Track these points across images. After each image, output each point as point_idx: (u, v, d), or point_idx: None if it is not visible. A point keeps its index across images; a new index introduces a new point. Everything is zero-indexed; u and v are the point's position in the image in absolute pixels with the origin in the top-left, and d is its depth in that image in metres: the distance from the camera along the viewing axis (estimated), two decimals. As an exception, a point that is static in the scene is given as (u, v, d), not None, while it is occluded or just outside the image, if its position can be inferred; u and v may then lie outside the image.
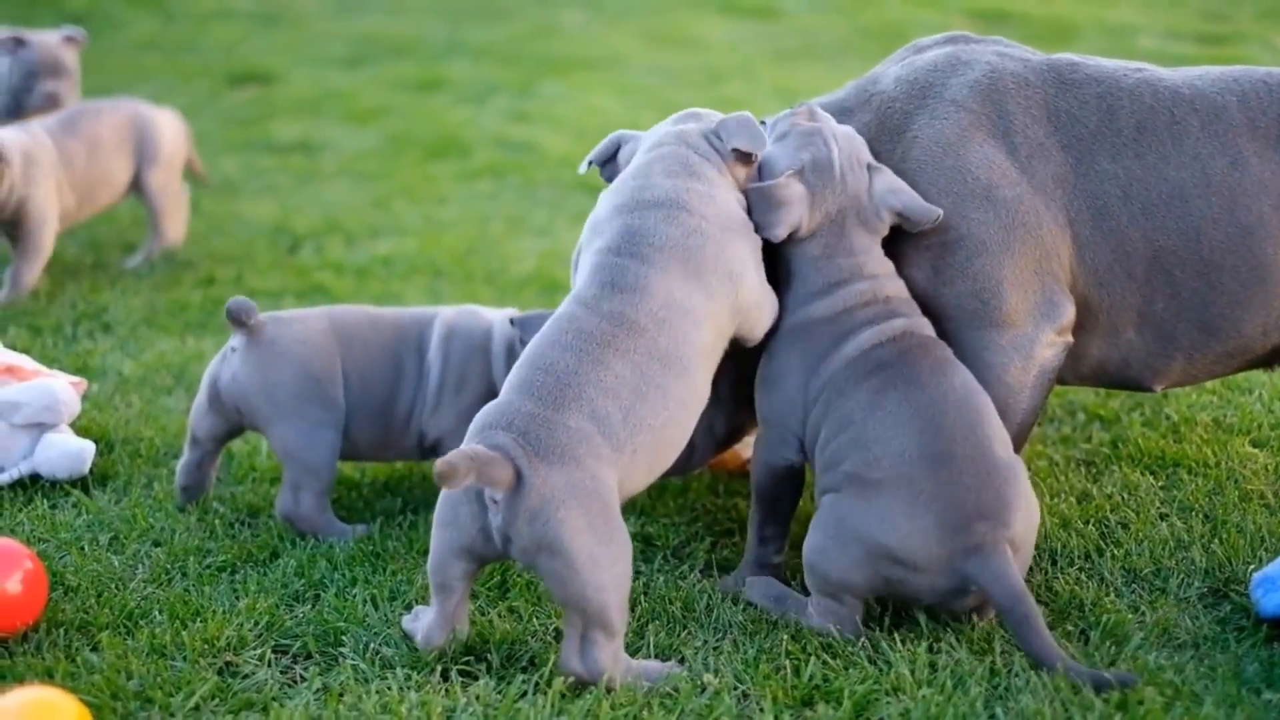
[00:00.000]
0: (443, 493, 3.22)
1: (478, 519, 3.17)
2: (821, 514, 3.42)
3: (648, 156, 3.59)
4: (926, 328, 3.56)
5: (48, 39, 6.58)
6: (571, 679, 3.17)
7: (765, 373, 3.61)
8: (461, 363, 4.03)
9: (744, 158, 3.60)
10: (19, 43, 6.54)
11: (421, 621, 3.35)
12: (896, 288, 3.59)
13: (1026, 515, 3.34)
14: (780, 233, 3.54)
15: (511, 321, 3.97)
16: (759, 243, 3.55)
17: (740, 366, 3.72)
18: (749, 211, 3.56)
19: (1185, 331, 3.73)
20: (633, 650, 3.35)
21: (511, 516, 3.11)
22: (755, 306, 3.52)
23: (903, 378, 3.41)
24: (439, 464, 3.01)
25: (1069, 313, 3.66)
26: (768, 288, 3.55)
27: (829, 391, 3.48)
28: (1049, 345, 3.66)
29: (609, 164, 3.75)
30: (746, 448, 4.22)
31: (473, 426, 3.23)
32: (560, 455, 3.13)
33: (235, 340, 3.98)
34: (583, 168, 3.80)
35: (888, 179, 3.63)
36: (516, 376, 3.29)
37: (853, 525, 3.33)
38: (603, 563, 3.13)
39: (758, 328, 3.55)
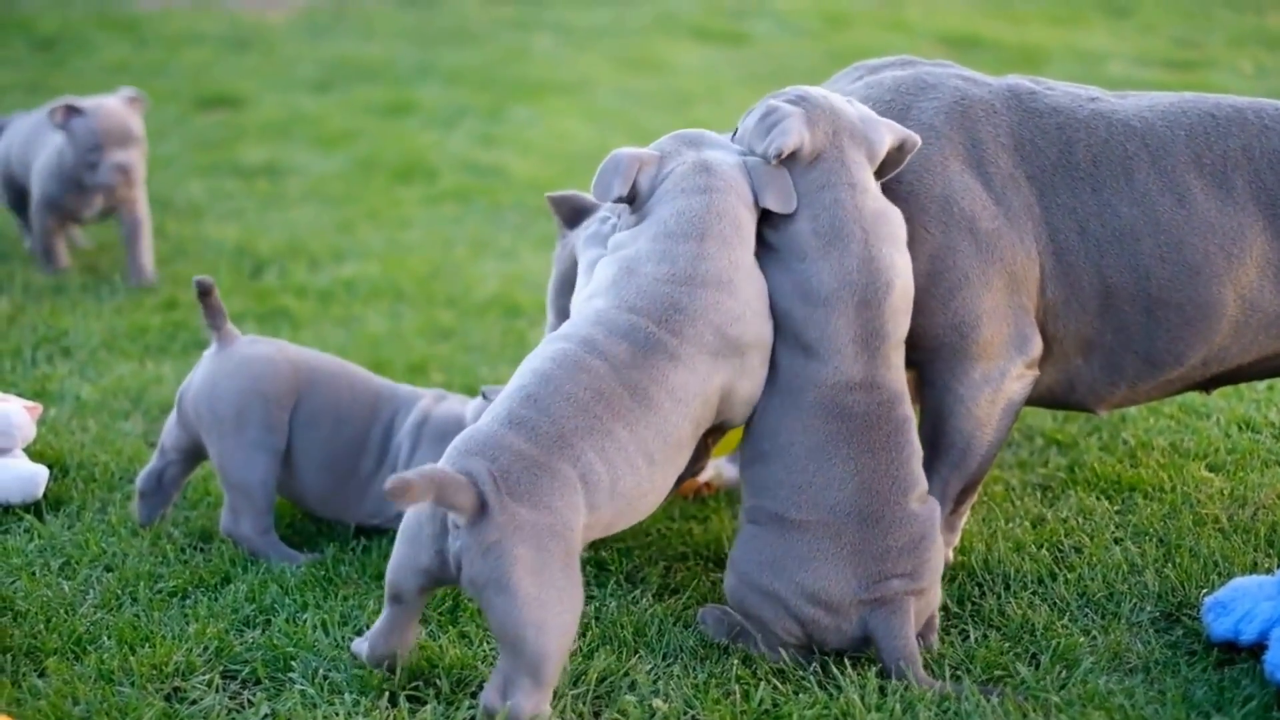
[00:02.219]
0: (412, 507, 3.16)
1: (437, 540, 3.13)
2: (742, 547, 3.43)
3: (702, 202, 3.40)
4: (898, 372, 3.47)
5: (108, 103, 6.05)
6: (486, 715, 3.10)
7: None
8: (428, 451, 3.97)
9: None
10: (72, 112, 5.96)
11: (368, 635, 3.33)
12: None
13: (936, 565, 3.40)
14: (791, 141, 3.40)
15: (484, 395, 3.86)
16: (771, 328, 3.43)
17: None
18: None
19: (1131, 362, 3.74)
20: (579, 674, 3.34)
21: (469, 544, 3.05)
22: (751, 401, 3.44)
23: (858, 438, 3.35)
24: (391, 480, 2.95)
25: (1038, 346, 3.66)
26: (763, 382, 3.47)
27: (787, 393, 3.41)
28: (1018, 378, 3.66)
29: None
30: (702, 471, 4.20)
31: (453, 447, 3.15)
32: (534, 499, 3.07)
33: (210, 348, 4.03)
34: (610, 196, 3.45)
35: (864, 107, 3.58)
36: (512, 410, 3.18)
37: (772, 561, 3.35)
38: (550, 608, 3.05)
39: (738, 417, 3.47)
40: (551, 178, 7.74)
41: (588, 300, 3.42)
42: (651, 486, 3.28)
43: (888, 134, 3.51)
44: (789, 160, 3.44)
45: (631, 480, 3.21)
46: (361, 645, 3.35)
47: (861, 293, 3.37)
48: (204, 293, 3.98)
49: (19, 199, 6.44)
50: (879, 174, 3.53)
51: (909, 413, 3.42)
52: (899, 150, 3.53)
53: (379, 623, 3.30)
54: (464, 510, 3.03)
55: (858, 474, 3.33)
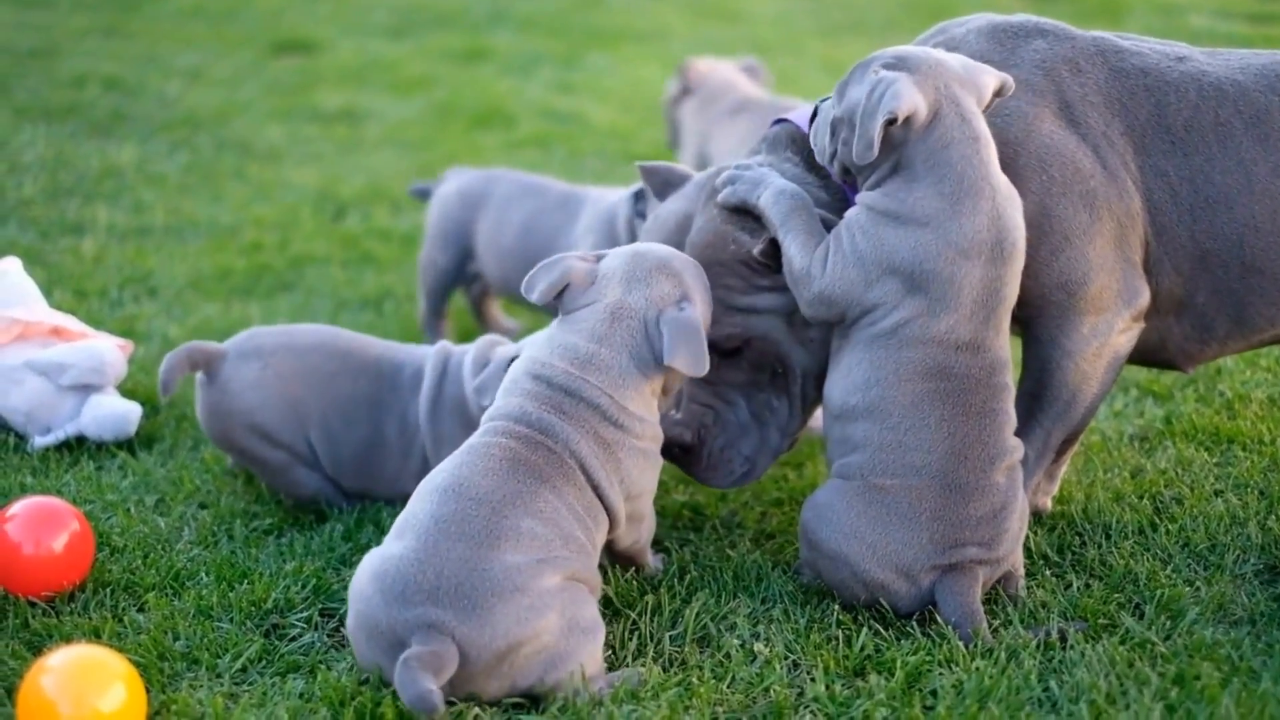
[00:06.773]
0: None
1: None
2: (815, 511, 3.37)
3: (604, 320, 3.27)
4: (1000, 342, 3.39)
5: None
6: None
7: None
8: (452, 422, 3.84)
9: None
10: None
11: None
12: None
13: (1014, 533, 3.34)
14: (904, 105, 3.25)
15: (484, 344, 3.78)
16: (659, 465, 3.38)
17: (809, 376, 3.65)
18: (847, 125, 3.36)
19: (1222, 324, 3.69)
20: (677, 615, 3.33)
21: (466, 679, 2.91)
22: (641, 530, 3.39)
23: (956, 399, 3.30)
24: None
25: (1145, 297, 3.60)
26: (653, 510, 3.42)
27: (887, 347, 3.32)
28: (1124, 331, 3.61)
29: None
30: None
31: (389, 589, 2.91)
32: (499, 595, 2.89)
33: (200, 374, 3.89)
34: (536, 297, 3.33)
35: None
36: (437, 509, 3.00)
37: (847, 527, 3.31)
38: (589, 651, 2.99)
39: (640, 542, 3.41)
40: (631, 125, 7.71)
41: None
42: (582, 568, 3.12)
43: (989, 78, 3.43)
44: (905, 126, 3.33)
45: (569, 548, 3.08)
46: None
47: (990, 251, 3.30)
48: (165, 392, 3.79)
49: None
50: None
51: (1008, 380, 3.37)
52: (997, 94, 3.45)
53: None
54: (450, 669, 2.87)
55: (950, 437, 3.28)
